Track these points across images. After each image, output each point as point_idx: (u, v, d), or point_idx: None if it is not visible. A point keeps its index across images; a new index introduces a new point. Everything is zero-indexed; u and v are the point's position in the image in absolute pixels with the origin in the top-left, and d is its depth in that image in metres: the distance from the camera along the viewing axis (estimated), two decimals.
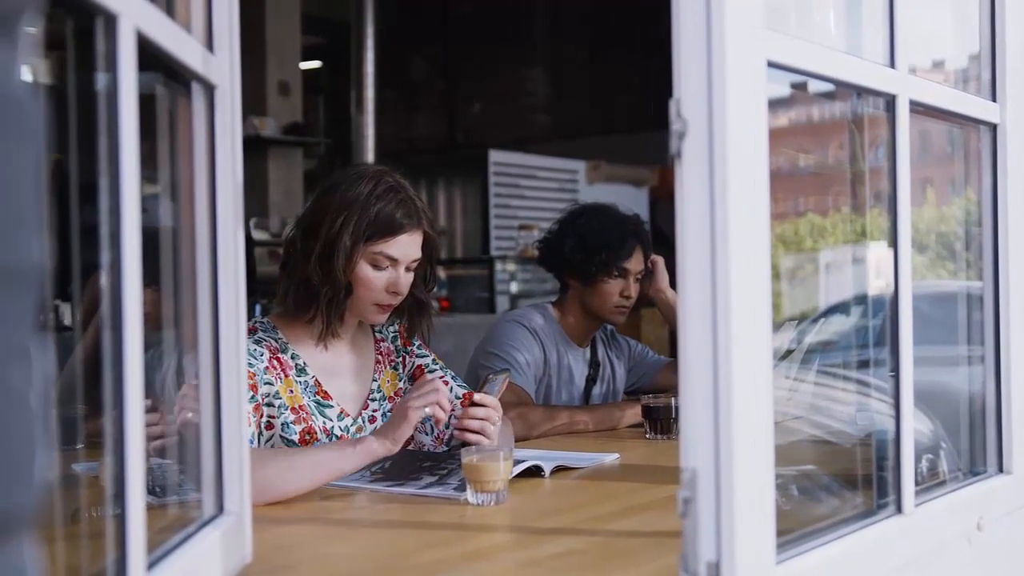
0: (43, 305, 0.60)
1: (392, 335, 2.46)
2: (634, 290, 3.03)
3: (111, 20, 0.99)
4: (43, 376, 0.57)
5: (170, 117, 1.33)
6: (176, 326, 1.39)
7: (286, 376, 2.22)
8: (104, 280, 1.01)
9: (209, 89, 1.35)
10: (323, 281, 2.20)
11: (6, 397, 0.53)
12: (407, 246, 2.24)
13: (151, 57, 1.11)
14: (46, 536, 0.78)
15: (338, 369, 2.33)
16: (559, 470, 2.21)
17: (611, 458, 2.37)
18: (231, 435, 1.38)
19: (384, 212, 2.20)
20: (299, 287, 2.23)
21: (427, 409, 2.01)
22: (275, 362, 2.21)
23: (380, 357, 2.41)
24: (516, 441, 2.64)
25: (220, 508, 1.37)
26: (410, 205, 2.23)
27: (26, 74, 0.59)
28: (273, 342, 2.24)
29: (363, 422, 2.32)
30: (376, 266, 2.22)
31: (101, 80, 1.01)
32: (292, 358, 2.26)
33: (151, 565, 1.08)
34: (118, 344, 1.00)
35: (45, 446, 0.57)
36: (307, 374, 2.26)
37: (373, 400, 2.37)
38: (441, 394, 2.03)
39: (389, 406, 2.38)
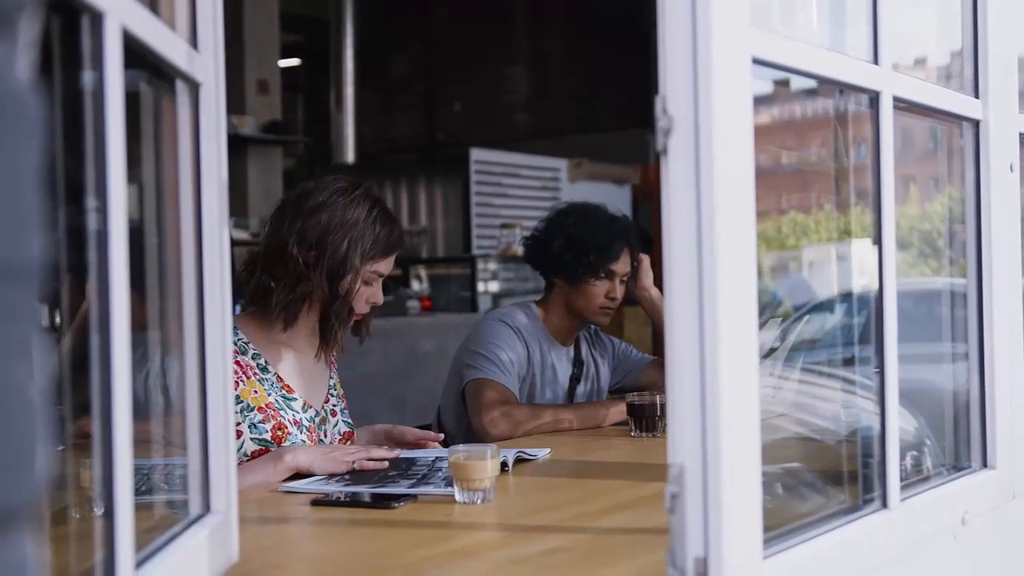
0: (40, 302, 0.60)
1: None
2: (619, 292, 3.02)
3: (97, 18, 0.98)
4: (44, 371, 0.57)
5: (154, 115, 1.32)
6: (160, 327, 1.38)
7: (248, 377, 2.26)
8: (90, 281, 1.01)
9: (194, 87, 1.34)
10: (330, 299, 2.28)
11: (9, 393, 0.53)
12: (392, 263, 2.38)
13: (134, 54, 1.10)
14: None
15: (298, 367, 2.39)
16: (519, 462, 2.25)
17: (543, 453, 2.39)
18: (217, 434, 1.38)
19: (383, 235, 2.31)
20: (300, 301, 2.29)
21: (355, 465, 2.14)
22: (235, 366, 2.22)
23: (332, 358, 2.50)
24: (501, 440, 2.65)
25: (207, 507, 1.37)
26: (399, 225, 2.37)
27: (25, 71, 0.59)
28: (231, 345, 2.26)
29: (326, 414, 2.41)
30: (368, 283, 2.32)
31: (86, 77, 1.00)
32: (253, 358, 2.30)
33: (139, 564, 1.08)
34: (105, 344, 0.99)
35: (46, 441, 0.57)
36: (269, 372, 2.31)
37: (332, 395, 2.46)
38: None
39: (343, 404, 2.49)
